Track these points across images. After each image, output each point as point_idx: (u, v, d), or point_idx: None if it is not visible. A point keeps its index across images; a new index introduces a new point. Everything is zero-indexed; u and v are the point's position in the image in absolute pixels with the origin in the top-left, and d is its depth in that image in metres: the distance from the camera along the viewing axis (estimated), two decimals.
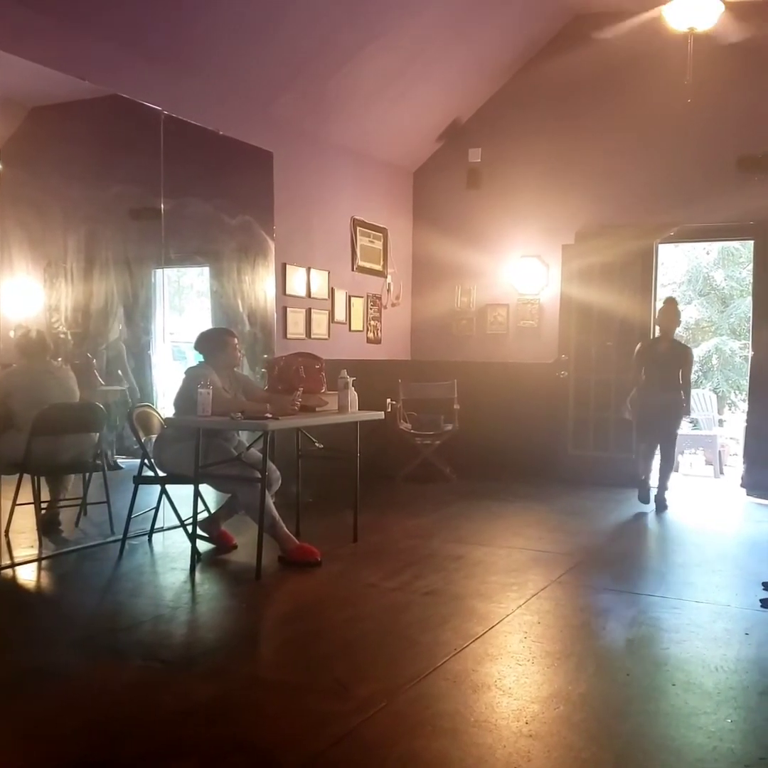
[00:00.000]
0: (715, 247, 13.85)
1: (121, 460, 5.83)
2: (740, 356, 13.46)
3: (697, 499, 7.36)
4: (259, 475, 4.53)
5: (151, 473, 4.97)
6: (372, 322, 8.05)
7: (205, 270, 7.19)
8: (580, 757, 2.55)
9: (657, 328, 7.10)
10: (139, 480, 4.97)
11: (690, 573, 4.80)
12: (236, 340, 5.09)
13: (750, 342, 7.73)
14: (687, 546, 5.66)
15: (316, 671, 3.23)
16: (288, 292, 6.87)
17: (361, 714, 2.80)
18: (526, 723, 2.77)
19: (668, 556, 5.48)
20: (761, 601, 4.11)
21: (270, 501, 4.74)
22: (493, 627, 3.72)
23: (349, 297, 7.68)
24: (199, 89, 5.94)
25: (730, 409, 13.52)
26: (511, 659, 3.36)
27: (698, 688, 3.10)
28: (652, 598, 4.23)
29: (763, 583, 4.35)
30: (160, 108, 5.57)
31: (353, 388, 5.10)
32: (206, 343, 5.04)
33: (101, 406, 5.31)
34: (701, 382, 13.33)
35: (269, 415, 4.52)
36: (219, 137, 6.10)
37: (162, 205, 5.70)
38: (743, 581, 4.54)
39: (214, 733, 2.67)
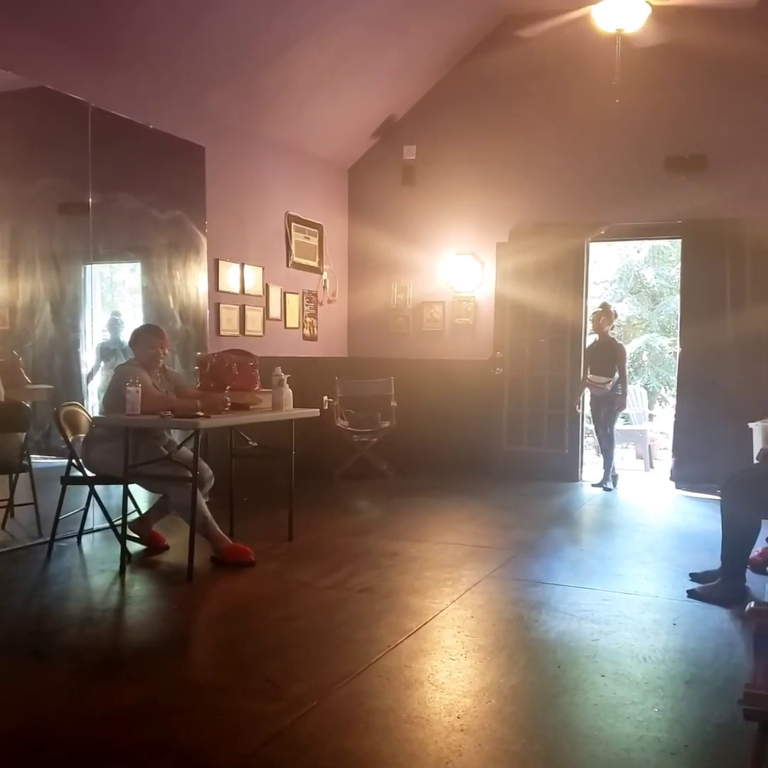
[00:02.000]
0: (646, 245, 14.17)
1: (47, 461, 5.67)
2: (670, 353, 13.80)
3: (628, 492, 7.50)
4: (191, 475, 4.47)
5: (79, 474, 4.86)
6: (308, 319, 8.01)
7: (137, 266, 7.06)
8: (510, 750, 2.57)
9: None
10: (67, 480, 4.85)
11: (619, 565, 4.89)
12: (163, 338, 5.00)
13: (678, 339, 7.90)
14: (617, 539, 5.76)
15: (247, 672, 3.19)
16: (221, 288, 6.79)
17: (292, 713, 2.78)
18: (458, 717, 2.78)
19: (599, 549, 5.56)
20: (688, 592, 4.20)
21: (202, 501, 4.68)
22: (426, 623, 3.73)
23: (285, 293, 7.63)
24: (129, 82, 5.83)
25: (660, 405, 13.84)
26: (444, 654, 3.38)
27: (627, 679, 3.15)
28: (583, 590, 4.29)
29: (691, 575, 4.44)
30: (87, 100, 5.45)
31: (288, 386, 5.06)
32: (132, 338, 4.96)
33: (27, 404, 5.18)
34: (632, 378, 13.59)
35: (200, 414, 4.45)
36: (149, 131, 6.00)
37: (90, 200, 5.57)
38: (671, 572, 4.64)
39: (140, 737, 2.61)
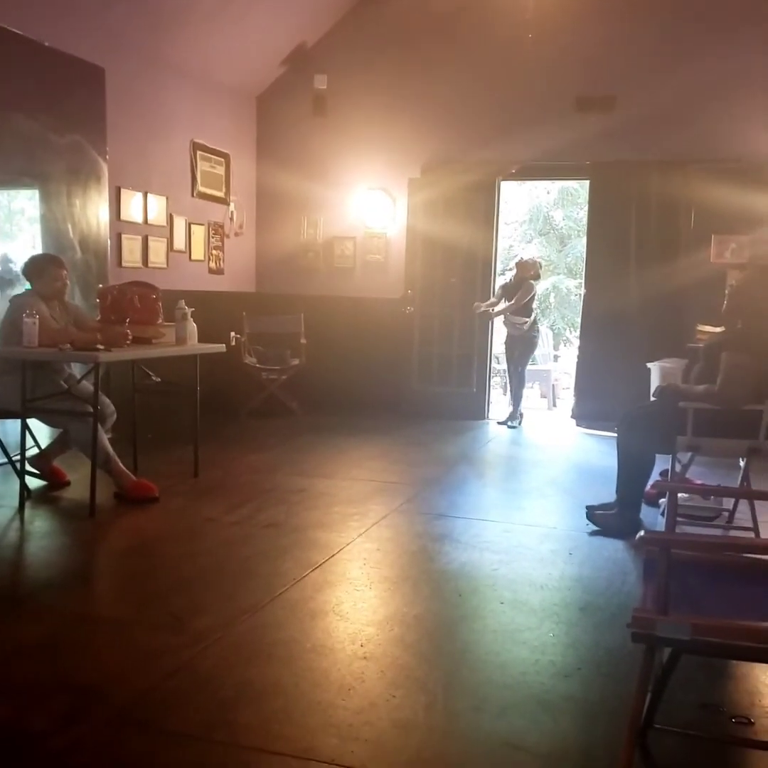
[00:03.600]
0: (556, 187, 14.31)
1: None
2: (576, 294, 14.08)
3: (532, 430, 7.69)
4: (91, 410, 4.35)
5: None
6: (214, 252, 7.82)
7: (35, 193, 6.72)
8: (411, 676, 2.64)
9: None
10: None
11: (521, 499, 5.03)
12: (62, 268, 4.80)
13: (583, 280, 8.05)
14: (519, 474, 5.92)
15: (149, 607, 3.17)
16: (123, 217, 6.55)
17: (195, 647, 2.78)
18: (361, 646, 2.83)
19: (502, 484, 5.72)
20: (587, 507, 4.36)
21: (103, 436, 4.57)
22: (332, 556, 3.77)
23: (189, 224, 7.41)
24: None
25: (565, 346, 14.17)
26: (350, 586, 3.42)
27: (524, 606, 3.26)
28: (485, 523, 4.40)
29: (587, 507, 4.59)
30: None
31: (192, 320, 4.95)
32: (27, 268, 4.75)
33: None
34: (539, 319, 13.83)
35: (100, 347, 4.32)
36: (45, 49, 5.66)
37: None
38: (570, 505, 4.79)
39: (37, 674, 2.58)
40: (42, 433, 5.09)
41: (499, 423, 7.75)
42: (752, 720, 2.44)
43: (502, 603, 3.30)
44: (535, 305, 7.90)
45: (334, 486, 5.12)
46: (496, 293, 7.86)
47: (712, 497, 4.79)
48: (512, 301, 7.61)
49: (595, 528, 4.33)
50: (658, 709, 2.29)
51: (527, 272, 7.72)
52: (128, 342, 4.59)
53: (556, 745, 2.27)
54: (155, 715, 2.36)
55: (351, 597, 3.30)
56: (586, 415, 7.68)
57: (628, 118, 7.29)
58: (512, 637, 2.98)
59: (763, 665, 2.69)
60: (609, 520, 4.32)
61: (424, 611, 3.20)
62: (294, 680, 2.59)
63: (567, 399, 9.38)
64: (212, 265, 7.81)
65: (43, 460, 4.91)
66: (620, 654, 2.81)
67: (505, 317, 7.79)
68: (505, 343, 7.99)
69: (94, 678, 2.56)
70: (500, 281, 8.07)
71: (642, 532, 1.90)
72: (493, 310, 7.72)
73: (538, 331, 8.07)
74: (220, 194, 7.89)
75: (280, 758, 2.15)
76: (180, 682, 2.55)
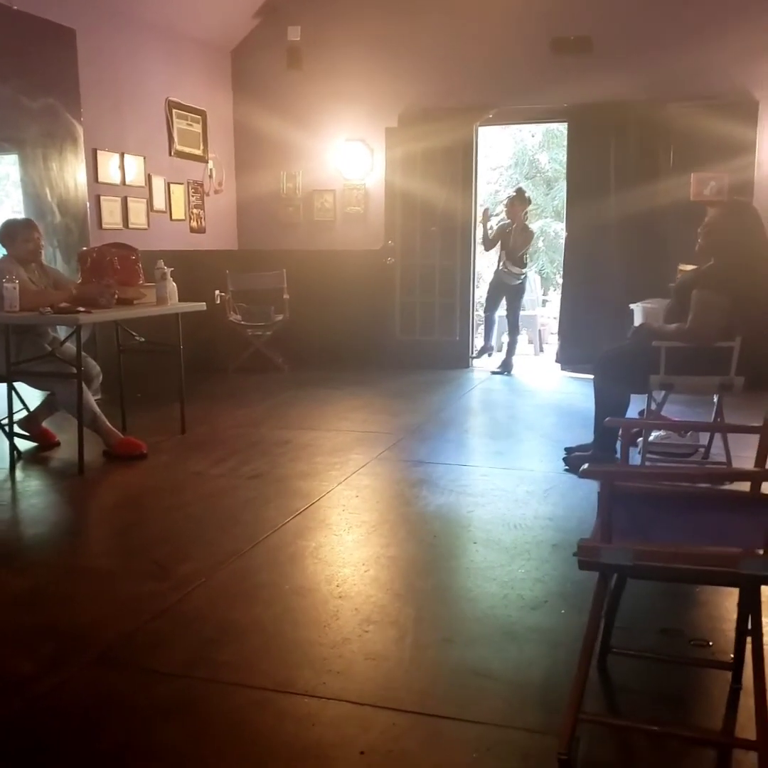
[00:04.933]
0: (540, 130, 14.22)
1: None
2: (563, 238, 14.04)
3: (516, 376, 7.79)
4: (76, 371, 4.44)
5: None
6: (194, 211, 7.83)
7: (15, 158, 6.73)
8: (384, 612, 2.77)
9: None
10: None
11: (500, 443, 5.14)
12: (35, 231, 4.84)
13: (565, 223, 8.07)
14: (501, 420, 6.03)
15: (135, 557, 3.29)
16: (101, 179, 6.56)
17: (179, 591, 2.91)
18: (337, 586, 2.96)
19: (482, 430, 5.82)
20: (564, 460, 4.47)
21: (89, 396, 4.66)
22: (313, 503, 3.89)
23: (168, 184, 7.42)
24: None
25: (554, 290, 14.19)
26: (328, 531, 3.55)
27: (497, 545, 3.38)
28: (464, 468, 4.52)
29: (565, 449, 4.70)
30: None
31: (171, 279, 5.02)
32: (2, 235, 4.78)
33: None
34: (527, 263, 13.83)
35: (81, 309, 4.39)
36: (13, 12, 5.63)
37: None
38: (549, 448, 4.90)
39: (24, 622, 2.71)
40: (31, 396, 5.18)
41: (492, 372, 7.81)
42: (710, 642, 2.57)
43: (475, 543, 3.43)
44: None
45: (317, 437, 5.23)
46: (491, 233, 7.84)
47: (689, 434, 4.91)
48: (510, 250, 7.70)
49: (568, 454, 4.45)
50: (612, 634, 2.41)
51: (522, 209, 7.73)
52: (109, 301, 4.65)
53: (520, 672, 2.40)
54: (139, 656, 2.49)
55: (329, 541, 3.42)
56: (571, 358, 7.76)
57: (604, 59, 7.25)
58: (483, 574, 3.10)
59: (726, 590, 2.80)
60: (584, 461, 4.42)
61: (399, 552, 3.33)
62: (273, 620, 2.72)
63: (555, 344, 9.46)
64: (193, 224, 7.83)
65: (31, 422, 5.01)
66: (587, 587, 2.90)
67: (503, 267, 7.78)
68: (493, 288, 7.99)
69: (79, 624, 2.69)
70: (495, 224, 7.94)
71: (585, 466, 2.00)
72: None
73: (527, 276, 8.13)
74: (198, 152, 7.88)
75: (258, 692, 2.28)
76: (163, 624, 2.68)
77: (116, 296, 4.72)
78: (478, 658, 2.47)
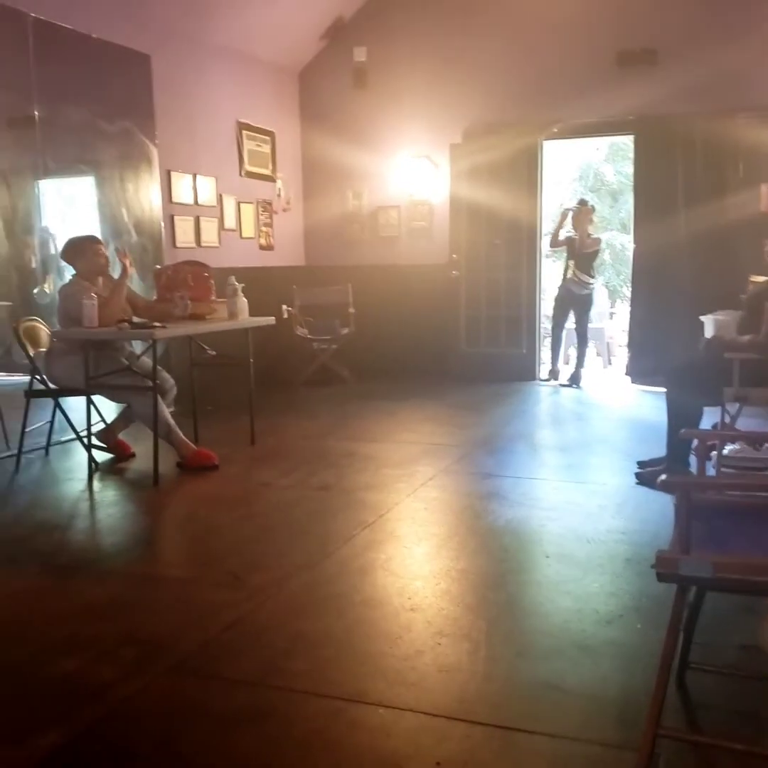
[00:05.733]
0: (605, 143, 14.06)
1: (10, 378, 5.70)
2: (630, 250, 13.85)
3: (585, 388, 7.70)
4: (151, 384, 4.55)
5: (42, 387, 4.92)
6: (263, 229, 7.97)
7: (91, 180, 6.95)
8: (456, 625, 2.76)
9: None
10: (31, 394, 4.90)
11: (571, 456, 5.08)
12: (101, 244, 4.98)
13: (633, 235, 7.98)
14: (570, 433, 5.96)
15: (209, 566, 3.35)
16: (174, 199, 6.73)
17: (252, 601, 2.95)
18: (409, 599, 2.96)
19: (551, 443, 5.76)
20: (636, 474, 4.39)
21: (164, 408, 4.77)
22: (382, 516, 3.90)
23: (239, 203, 7.57)
24: None
25: (622, 302, 13.98)
26: (398, 543, 3.55)
27: (570, 559, 3.34)
28: (534, 481, 4.49)
29: (638, 462, 4.62)
30: (27, 10, 5.27)
31: (242, 295, 5.11)
32: (67, 252, 4.92)
33: None
34: (593, 276, 13.67)
35: (157, 324, 4.50)
36: (92, 40, 5.83)
37: (36, 113, 5.47)
38: (621, 461, 4.82)
39: (105, 629, 2.77)
40: (107, 408, 5.33)
41: (561, 385, 7.75)
42: None
43: (547, 557, 3.39)
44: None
45: (383, 449, 5.25)
46: (556, 240, 7.90)
47: (765, 447, 4.79)
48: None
49: (640, 472, 4.38)
50: (691, 649, 2.37)
51: (587, 219, 7.72)
52: (183, 313, 4.76)
53: (596, 686, 2.36)
54: (214, 664, 2.53)
55: (399, 554, 3.43)
56: (641, 371, 7.65)
57: (670, 71, 7.16)
58: (556, 588, 3.07)
59: None
60: (656, 476, 4.34)
61: (470, 565, 3.32)
62: (345, 631, 2.73)
63: (623, 357, 9.33)
64: (262, 241, 7.97)
65: (108, 434, 5.15)
66: (663, 601, 2.85)
67: (572, 276, 7.74)
68: (560, 301, 7.92)
69: (157, 632, 2.74)
70: (562, 235, 7.95)
71: (663, 477, 1.97)
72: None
73: (595, 287, 8.09)
74: (267, 172, 8.03)
75: (330, 701, 2.29)
76: (237, 633, 2.72)
77: (190, 305, 4.83)
78: (552, 672, 2.44)
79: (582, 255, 7.68)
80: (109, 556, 3.60)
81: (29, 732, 2.16)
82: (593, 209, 8.06)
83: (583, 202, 7.93)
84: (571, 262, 7.75)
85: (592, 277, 7.78)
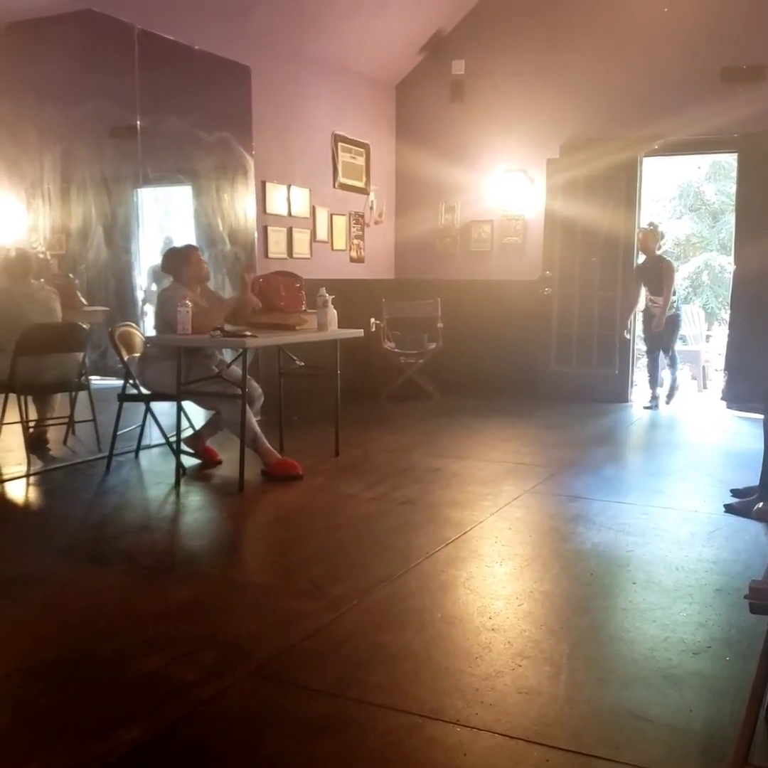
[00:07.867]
0: (706, 161, 13.71)
1: (104, 381, 5.89)
2: (730, 272, 13.43)
3: (678, 412, 7.49)
4: (240, 392, 4.62)
5: (135, 391, 5.05)
6: (355, 241, 8.03)
7: (188, 189, 7.14)
8: (538, 648, 2.70)
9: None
10: (124, 398, 5.05)
11: (661, 481, 4.94)
12: (200, 254, 5.09)
13: (733, 257, 7.74)
14: (661, 457, 5.79)
15: (291, 574, 3.38)
16: (268, 210, 6.84)
17: (332, 612, 2.95)
18: (490, 618, 2.92)
19: (641, 466, 5.62)
20: (726, 506, 4.25)
21: (251, 416, 4.84)
22: (465, 533, 3.87)
23: (331, 215, 7.65)
24: (173, 2, 5.81)
25: (720, 325, 13.57)
26: (480, 562, 3.51)
27: (657, 586, 3.25)
28: (622, 505, 4.37)
29: (731, 491, 4.47)
30: (133, 22, 5.46)
31: (332, 307, 5.15)
32: (169, 261, 5.03)
33: (84, 326, 5.36)
34: (690, 298, 13.34)
35: (248, 333, 4.58)
36: (194, 52, 6.00)
37: (138, 123, 5.64)
38: (713, 488, 4.67)
39: (187, 631, 2.81)
40: (196, 415, 5.44)
41: (644, 407, 7.54)
42: None
43: (634, 583, 3.30)
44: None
45: (468, 466, 5.20)
46: (633, 278, 7.69)
47: None
48: (664, 294, 7.45)
49: (731, 503, 4.24)
50: None
51: (654, 244, 7.54)
52: (256, 308, 4.90)
53: (681, 717, 2.29)
54: (293, 672, 2.54)
55: (481, 572, 3.39)
56: (737, 396, 7.39)
57: None
58: (642, 616, 2.98)
59: None
60: (750, 507, 4.17)
61: (553, 588, 3.25)
62: (424, 646, 2.71)
63: (718, 381, 9.05)
64: (353, 254, 8.04)
65: (197, 440, 5.25)
66: (754, 633, 2.76)
67: (649, 302, 7.60)
68: (647, 325, 7.74)
69: (238, 636, 2.77)
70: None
71: (760, 505, 1.89)
72: (650, 305, 7.60)
73: (679, 307, 7.89)
74: (361, 184, 8.09)
75: (407, 716, 2.27)
76: (317, 643, 2.73)
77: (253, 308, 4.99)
78: (635, 700, 2.37)
79: (650, 277, 7.51)
80: (193, 559, 3.67)
81: (113, 726, 2.21)
82: (662, 235, 7.94)
83: (651, 226, 7.79)
84: (646, 289, 7.61)
85: (662, 296, 7.48)
